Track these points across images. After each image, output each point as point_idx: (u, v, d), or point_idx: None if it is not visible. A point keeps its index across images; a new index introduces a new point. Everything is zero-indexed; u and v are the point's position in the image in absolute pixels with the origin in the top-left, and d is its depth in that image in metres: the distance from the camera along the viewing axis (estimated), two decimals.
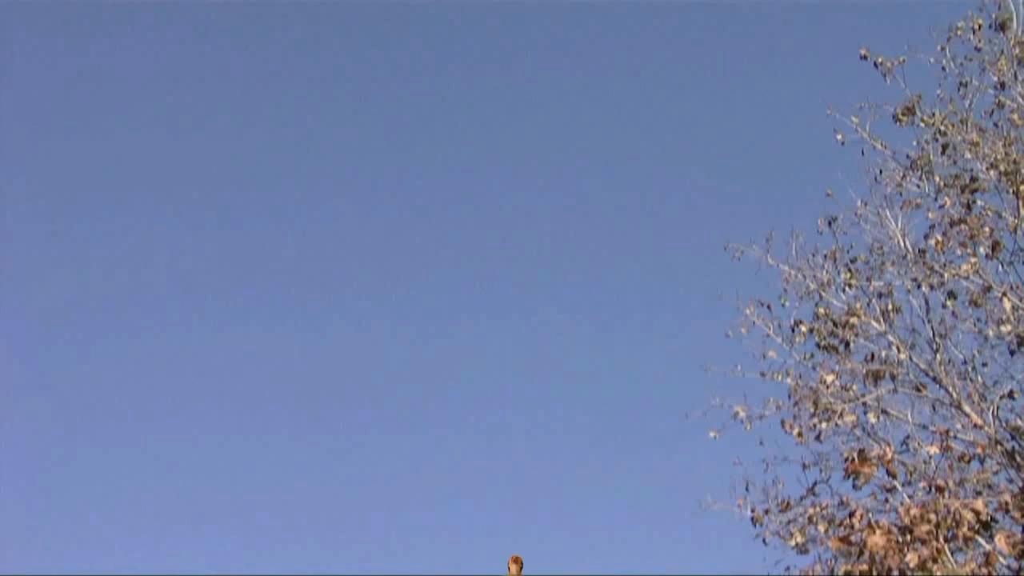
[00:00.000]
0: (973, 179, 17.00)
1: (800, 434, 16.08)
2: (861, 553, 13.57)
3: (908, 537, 13.35)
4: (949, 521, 13.43)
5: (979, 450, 15.15)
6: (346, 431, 46.46)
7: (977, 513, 13.46)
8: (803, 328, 17.03)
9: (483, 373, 45.99)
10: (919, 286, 16.76)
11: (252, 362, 47.87)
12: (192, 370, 46.85)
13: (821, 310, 17.06)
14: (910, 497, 14.43)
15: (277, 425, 45.90)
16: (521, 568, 20.53)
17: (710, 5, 45.65)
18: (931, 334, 16.55)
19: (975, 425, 15.49)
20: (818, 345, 16.92)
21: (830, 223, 17.59)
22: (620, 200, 47.13)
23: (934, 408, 16.17)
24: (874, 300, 16.94)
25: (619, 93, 48.56)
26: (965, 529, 13.40)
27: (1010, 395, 16.02)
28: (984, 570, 13.29)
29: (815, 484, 15.56)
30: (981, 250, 16.55)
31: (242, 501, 43.31)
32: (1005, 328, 16.22)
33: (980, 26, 18.00)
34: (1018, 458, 15.19)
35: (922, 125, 17.65)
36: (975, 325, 16.60)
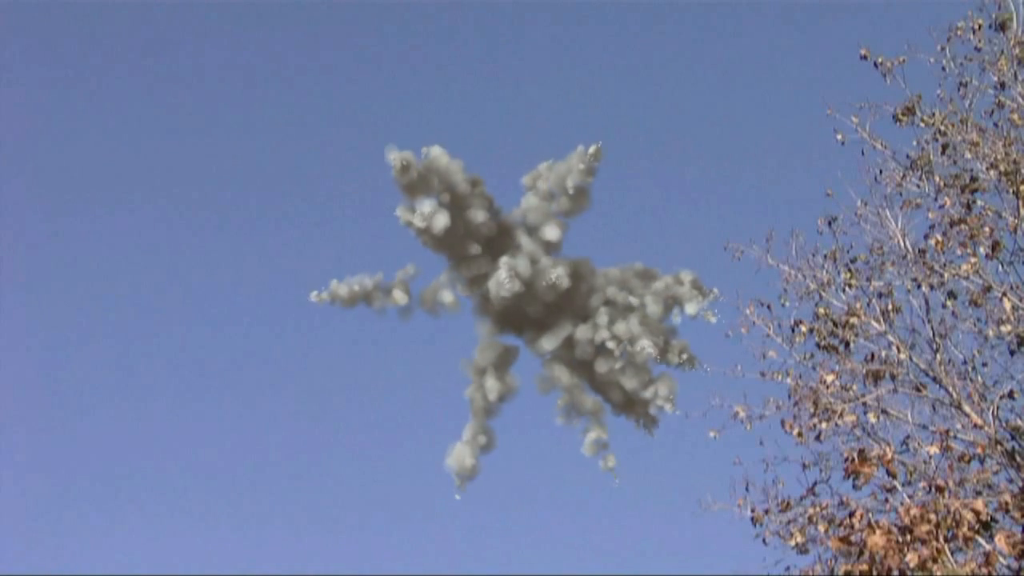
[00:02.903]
0: (973, 179, 17.00)
1: (800, 434, 16.08)
2: (861, 553, 13.57)
3: (908, 537, 13.35)
4: (949, 521, 13.43)
5: (979, 450, 15.15)
6: (346, 430, 46.43)
7: (977, 513, 13.46)
8: (803, 328, 17.03)
9: None
10: (919, 286, 16.76)
11: (252, 362, 47.86)
12: (192, 371, 46.84)
13: (821, 310, 17.06)
14: (910, 497, 14.44)
15: (277, 425, 45.87)
16: None
17: (710, 5, 45.66)
18: (931, 334, 16.55)
19: (975, 425, 15.48)
20: (818, 345, 16.92)
21: (830, 223, 17.58)
22: (620, 199, 47.13)
23: (934, 408, 16.17)
24: (874, 300, 16.93)
25: (619, 93, 48.56)
26: (965, 529, 13.40)
27: (1010, 395, 16.02)
28: (984, 570, 13.29)
29: (815, 484, 15.57)
30: (981, 250, 16.55)
31: (242, 501, 43.32)
32: (1005, 328, 16.22)
33: (980, 26, 18.00)
34: (1018, 458, 15.19)
35: (922, 125, 17.65)
36: (975, 325, 16.61)
